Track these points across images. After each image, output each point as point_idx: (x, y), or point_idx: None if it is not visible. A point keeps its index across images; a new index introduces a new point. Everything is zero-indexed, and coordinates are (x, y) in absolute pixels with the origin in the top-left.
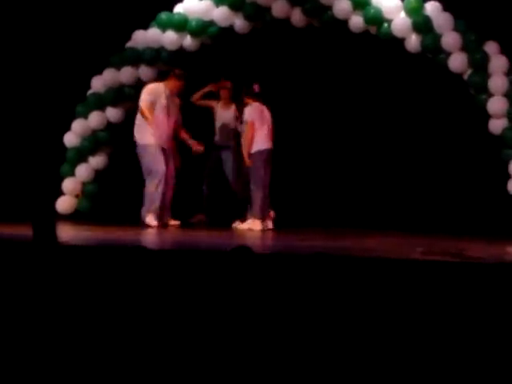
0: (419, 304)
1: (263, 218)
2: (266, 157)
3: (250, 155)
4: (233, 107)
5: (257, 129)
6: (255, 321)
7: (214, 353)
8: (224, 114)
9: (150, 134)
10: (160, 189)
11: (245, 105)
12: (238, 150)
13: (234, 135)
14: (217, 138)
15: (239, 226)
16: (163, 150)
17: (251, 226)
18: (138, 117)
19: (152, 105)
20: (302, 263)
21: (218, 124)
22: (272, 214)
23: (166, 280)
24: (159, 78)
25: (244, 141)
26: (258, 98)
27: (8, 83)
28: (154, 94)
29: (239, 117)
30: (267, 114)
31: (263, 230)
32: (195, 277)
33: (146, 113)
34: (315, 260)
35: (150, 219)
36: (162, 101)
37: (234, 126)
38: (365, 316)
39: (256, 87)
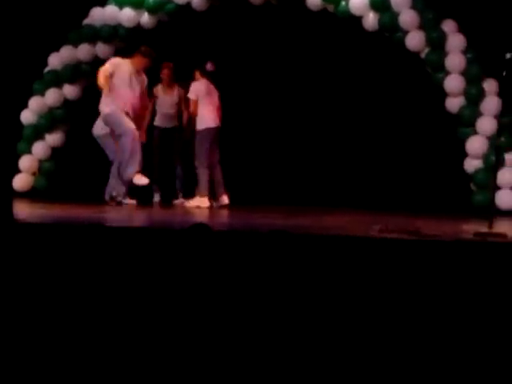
0: (376, 281)
1: (210, 196)
2: (213, 135)
3: (196, 132)
4: (175, 89)
5: (204, 106)
6: (214, 300)
7: (173, 329)
8: (166, 97)
9: (110, 103)
10: (136, 145)
11: (193, 80)
12: (181, 129)
13: (178, 116)
14: (159, 121)
15: (187, 203)
16: (127, 114)
17: (199, 204)
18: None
19: (110, 75)
20: (260, 241)
21: (160, 108)
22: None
23: (123, 258)
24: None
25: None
26: (207, 75)
27: None
28: (115, 65)
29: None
30: (215, 92)
31: (213, 208)
32: (153, 255)
33: (102, 80)
34: (273, 238)
35: (139, 178)
36: (124, 74)
37: (176, 109)
38: (323, 294)
39: (209, 65)
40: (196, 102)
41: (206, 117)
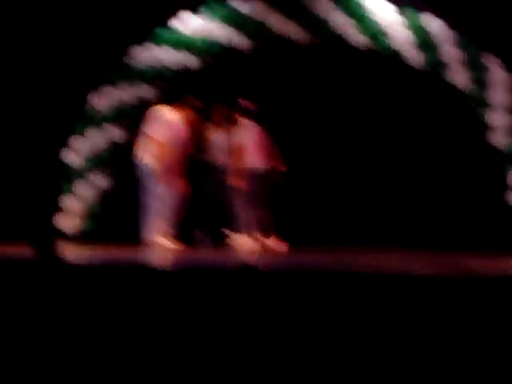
0: (422, 319)
1: (255, 235)
2: (260, 175)
3: (242, 173)
4: (223, 128)
5: (250, 148)
6: (263, 338)
7: (223, 374)
8: (217, 135)
9: (150, 153)
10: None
11: (237, 123)
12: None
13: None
14: (210, 158)
15: (233, 242)
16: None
17: (244, 244)
18: (142, 135)
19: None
20: (306, 280)
21: (210, 146)
22: (272, 235)
23: (172, 300)
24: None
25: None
26: (252, 117)
27: (8, 102)
28: (160, 115)
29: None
30: (262, 133)
31: (259, 248)
32: (202, 296)
33: (150, 132)
34: (320, 277)
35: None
36: (168, 123)
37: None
38: (370, 331)
39: (250, 105)
40: (244, 147)
41: (251, 158)
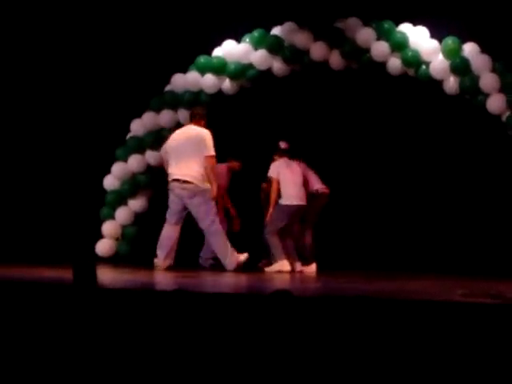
0: (463, 346)
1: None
2: (294, 212)
3: (277, 205)
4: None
5: (286, 183)
6: (296, 363)
7: None
8: None
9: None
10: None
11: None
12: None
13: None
14: None
15: (267, 268)
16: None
17: (280, 268)
18: (198, 160)
19: None
20: (343, 306)
21: None
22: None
23: (207, 324)
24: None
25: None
26: (284, 153)
27: (50, 127)
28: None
29: None
30: (296, 168)
31: (295, 272)
32: (236, 321)
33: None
34: (357, 303)
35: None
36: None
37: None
38: (409, 359)
39: (282, 144)
40: (277, 180)
41: (289, 194)
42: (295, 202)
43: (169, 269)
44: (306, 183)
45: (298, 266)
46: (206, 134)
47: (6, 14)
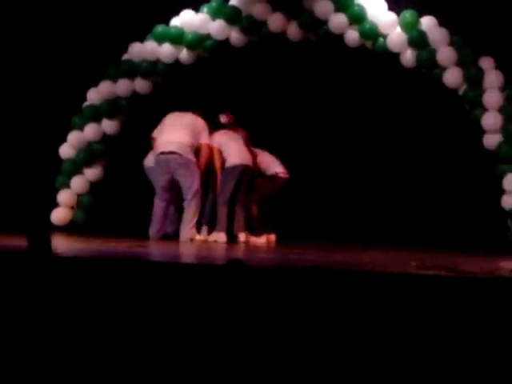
0: (414, 318)
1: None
2: (238, 172)
3: (222, 173)
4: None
5: (226, 149)
6: (250, 335)
7: (209, 370)
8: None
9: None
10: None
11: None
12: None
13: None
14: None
15: (207, 238)
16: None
17: (216, 239)
18: (190, 139)
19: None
20: (296, 277)
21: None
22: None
23: (160, 293)
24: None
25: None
26: (225, 127)
27: (3, 94)
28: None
29: None
30: (238, 136)
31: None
32: (189, 290)
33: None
34: (310, 273)
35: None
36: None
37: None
38: (359, 331)
39: (223, 118)
40: (218, 149)
41: (232, 155)
42: (239, 162)
43: (125, 238)
44: (263, 166)
45: (242, 237)
46: (203, 122)
47: None
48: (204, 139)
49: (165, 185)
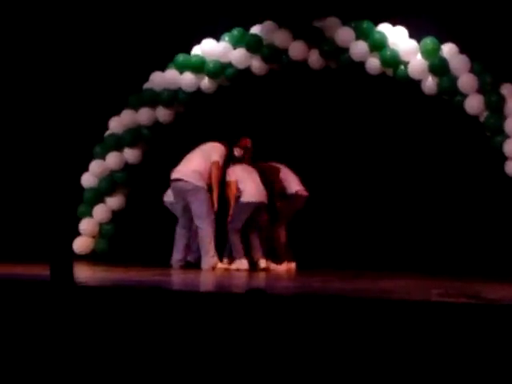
0: (436, 346)
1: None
2: (251, 208)
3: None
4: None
5: (246, 182)
6: (270, 363)
7: None
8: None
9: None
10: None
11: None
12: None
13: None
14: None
15: (230, 266)
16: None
17: (238, 266)
18: (200, 163)
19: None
20: (317, 305)
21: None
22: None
23: (182, 321)
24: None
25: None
26: (239, 161)
27: (26, 124)
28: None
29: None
30: (252, 170)
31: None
32: (211, 319)
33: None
34: (330, 302)
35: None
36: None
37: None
38: (382, 358)
39: (236, 151)
40: (235, 182)
41: (249, 192)
42: (254, 200)
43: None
44: (284, 184)
45: (263, 263)
46: (219, 145)
47: None
48: (214, 157)
49: (181, 212)
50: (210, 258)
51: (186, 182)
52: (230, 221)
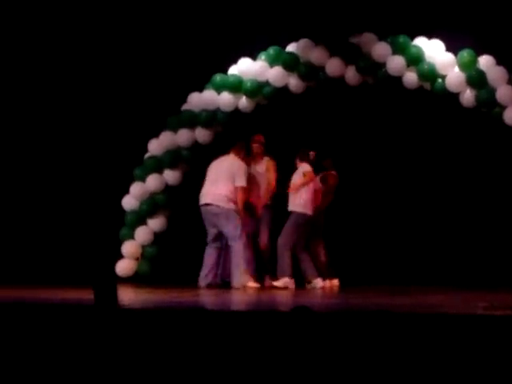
0: (485, 358)
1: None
2: (304, 222)
3: (292, 214)
4: (264, 162)
5: (307, 191)
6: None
7: None
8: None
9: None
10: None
11: (296, 168)
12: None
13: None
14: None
15: (274, 283)
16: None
17: (283, 285)
18: (227, 186)
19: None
20: (364, 321)
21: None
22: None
23: (225, 341)
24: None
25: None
26: (311, 165)
27: (70, 148)
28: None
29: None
30: (316, 182)
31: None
32: (256, 338)
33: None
34: (378, 318)
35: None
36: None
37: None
38: (431, 372)
39: (312, 154)
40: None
41: (309, 203)
42: (309, 212)
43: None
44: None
45: (320, 282)
46: (240, 164)
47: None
48: (240, 182)
49: (212, 234)
50: (239, 276)
51: (218, 206)
52: (284, 234)
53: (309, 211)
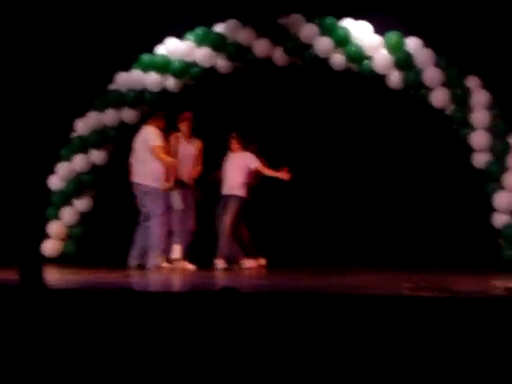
0: (408, 340)
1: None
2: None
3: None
4: (194, 143)
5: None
6: (243, 360)
7: None
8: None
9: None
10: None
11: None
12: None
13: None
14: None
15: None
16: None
17: (182, 266)
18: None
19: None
20: (287, 302)
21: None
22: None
23: (153, 322)
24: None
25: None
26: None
27: None
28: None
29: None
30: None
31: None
32: (183, 318)
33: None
34: (301, 298)
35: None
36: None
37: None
38: (352, 353)
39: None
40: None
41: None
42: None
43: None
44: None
45: (247, 263)
46: (149, 128)
47: None
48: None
49: (143, 214)
50: (155, 257)
51: (145, 185)
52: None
53: (246, 194)
